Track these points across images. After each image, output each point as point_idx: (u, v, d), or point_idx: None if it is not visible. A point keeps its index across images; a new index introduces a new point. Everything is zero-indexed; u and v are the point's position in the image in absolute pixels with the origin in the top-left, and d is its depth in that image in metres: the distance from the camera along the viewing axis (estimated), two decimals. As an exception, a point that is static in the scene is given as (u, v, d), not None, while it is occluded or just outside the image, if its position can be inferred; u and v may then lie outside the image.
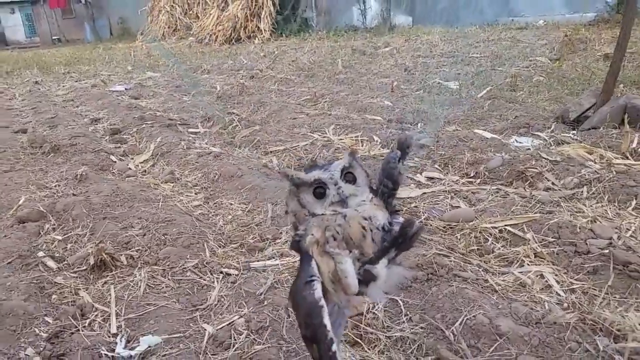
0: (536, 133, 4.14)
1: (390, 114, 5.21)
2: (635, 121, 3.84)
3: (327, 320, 1.29)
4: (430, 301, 2.17)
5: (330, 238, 1.34)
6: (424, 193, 3.28)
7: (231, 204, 3.41)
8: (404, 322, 2.08)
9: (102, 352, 2.06)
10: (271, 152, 4.44)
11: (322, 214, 1.40)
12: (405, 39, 10.91)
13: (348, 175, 1.45)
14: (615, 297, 2.09)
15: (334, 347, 1.29)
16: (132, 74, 10.12)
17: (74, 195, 3.65)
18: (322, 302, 1.31)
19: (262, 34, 14.61)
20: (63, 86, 9.42)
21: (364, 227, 1.35)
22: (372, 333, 2.04)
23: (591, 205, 2.79)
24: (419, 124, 4.73)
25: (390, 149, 1.46)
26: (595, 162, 3.29)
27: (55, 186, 3.96)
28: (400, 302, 2.19)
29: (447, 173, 3.58)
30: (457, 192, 3.24)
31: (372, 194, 1.45)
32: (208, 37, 15.21)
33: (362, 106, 5.67)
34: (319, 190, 1.42)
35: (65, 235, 3.09)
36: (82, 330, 2.21)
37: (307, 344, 1.39)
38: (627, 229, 2.51)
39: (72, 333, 2.20)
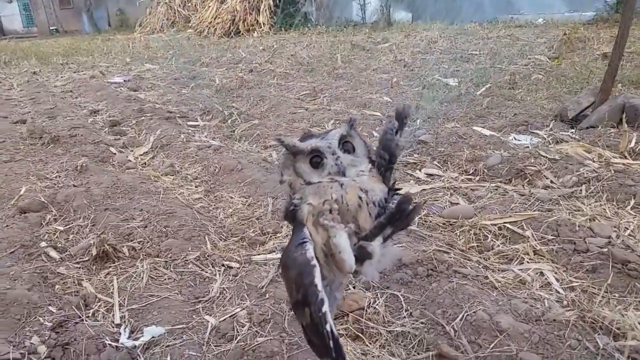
0: (535, 131, 4.17)
1: (389, 110, 5.22)
2: (633, 120, 3.87)
3: (318, 280, 1.24)
4: (431, 297, 2.19)
5: (326, 210, 1.29)
6: (423, 189, 3.30)
7: (231, 198, 3.42)
8: (404, 317, 2.11)
9: (106, 342, 2.08)
10: (270, 146, 4.45)
11: (318, 182, 1.34)
12: (404, 34, 10.90)
13: (346, 145, 1.40)
14: (614, 296, 2.12)
15: (325, 308, 1.22)
16: (130, 65, 10.08)
17: (74, 186, 3.65)
18: (314, 262, 1.25)
19: (261, 27, 14.55)
20: (61, 77, 9.37)
21: (360, 198, 1.30)
22: (373, 328, 2.06)
23: (590, 204, 2.82)
24: (418, 121, 4.75)
25: (388, 120, 1.43)
26: (594, 161, 3.32)
27: (55, 177, 3.96)
28: (400, 297, 2.22)
29: (446, 170, 3.61)
30: (456, 189, 3.27)
31: (371, 165, 1.39)
32: (207, 30, 15.14)
33: (361, 102, 5.68)
34: (316, 159, 1.37)
35: (67, 226, 3.10)
36: (86, 320, 2.23)
37: (299, 311, 1.31)
38: (625, 227, 2.54)
39: (76, 323, 2.22)
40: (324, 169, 1.36)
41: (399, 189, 1.41)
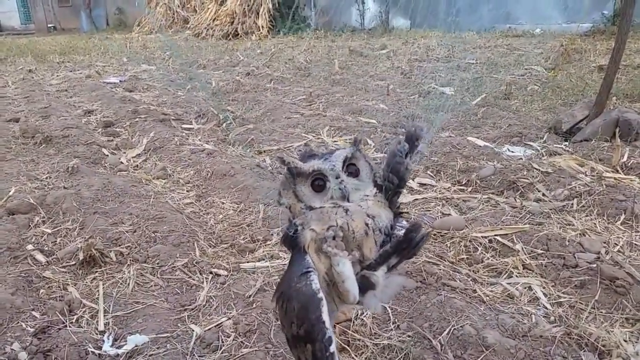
0: (529, 143, 4.18)
1: (385, 117, 5.22)
2: (626, 135, 3.88)
3: (326, 316, 1.15)
4: (419, 309, 2.18)
5: (330, 237, 1.21)
6: (416, 199, 3.29)
7: (223, 203, 3.40)
8: (391, 329, 2.09)
9: (89, 349, 2.05)
10: (265, 151, 4.43)
11: (321, 207, 1.26)
12: (402, 41, 10.93)
13: (350, 167, 1.32)
14: (601, 312, 2.12)
15: (333, 347, 1.15)
16: (127, 65, 10.05)
17: (64, 188, 3.62)
18: (321, 294, 1.17)
19: (259, 30, 14.56)
20: (57, 76, 9.33)
21: (367, 225, 1.22)
22: (359, 340, 2.05)
23: (581, 218, 2.82)
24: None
25: (398, 141, 1.30)
26: (586, 175, 3.33)
27: (46, 178, 3.93)
28: (388, 309, 2.20)
29: (439, 180, 3.60)
30: (448, 200, 3.26)
31: (377, 189, 1.31)
32: (205, 32, 15.13)
33: (357, 108, 5.67)
34: (318, 182, 1.29)
35: (55, 229, 3.07)
36: (70, 327, 2.20)
37: (297, 346, 1.23)
38: (615, 243, 2.54)
39: (60, 329, 2.19)
40: (326, 193, 1.28)
41: (405, 212, 1.35)
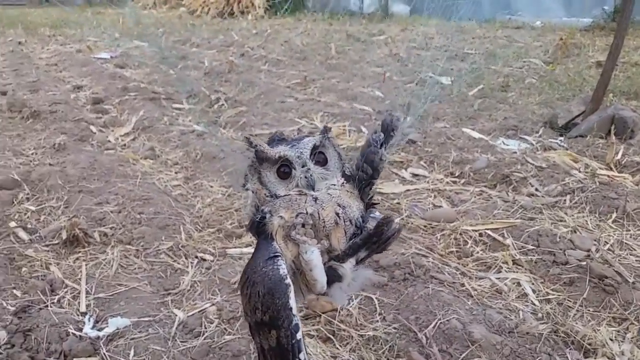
0: (524, 136, 4.14)
1: (380, 105, 5.16)
2: (621, 132, 3.85)
3: (293, 302, 1.12)
4: (405, 301, 2.16)
5: (299, 224, 1.17)
6: (407, 190, 3.25)
7: (211, 187, 3.34)
8: (377, 321, 2.07)
9: (69, 330, 2.01)
10: (256, 135, 4.36)
11: (287, 195, 1.22)
12: (401, 28, 10.79)
13: (319, 156, 1.28)
14: (589, 310, 2.11)
15: (299, 335, 1.11)
16: (119, 41, 9.84)
17: (50, 165, 3.55)
18: (288, 280, 1.13)
19: (256, 10, 14.30)
20: (47, 49, 9.12)
21: (337, 214, 1.19)
22: (345, 330, 2.03)
23: (572, 215, 2.80)
24: (408, 118, 4.69)
25: (373, 131, 1.27)
26: (580, 171, 3.30)
27: (32, 154, 3.85)
28: (375, 300, 2.18)
29: (432, 171, 3.56)
30: (440, 192, 3.23)
31: (345, 179, 1.28)
32: (200, 9, 14.84)
33: (352, 95, 5.60)
34: (284, 169, 1.24)
35: (39, 206, 3.00)
36: (51, 307, 2.17)
37: (261, 333, 1.18)
38: (605, 241, 2.52)
39: (40, 309, 2.15)
40: (291, 181, 1.24)
41: (376, 204, 1.31)
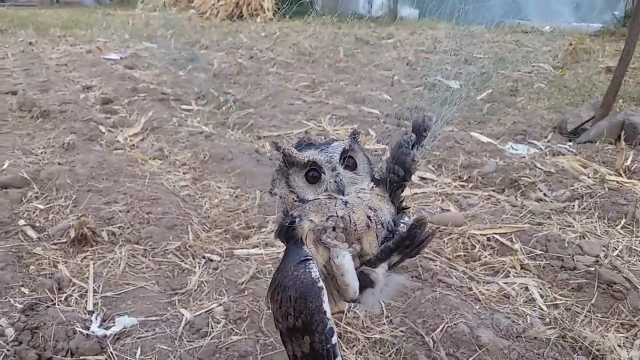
0: (532, 141, 4.12)
1: (388, 108, 5.15)
2: (631, 138, 3.83)
3: (326, 306, 1.09)
4: (413, 305, 2.15)
5: (330, 227, 1.15)
6: (415, 193, 3.24)
7: (219, 187, 3.35)
8: (384, 324, 2.06)
9: (76, 328, 2.02)
10: (264, 137, 4.37)
11: (316, 199, 1.20)
12: (410, 31, 10.79)
13: (348, 160, 1.26)
14: (597, 316, 2.09)
15: (334, 339, 1.09)
16: (128, 42, 9.91)
17: (59, 164, 3.57)
18: (321, 284, 1.10)
19: (264, 13, 14.36)
20: (57, 49, 9.20)
21: (369, 217, 1.16)
22: (351, 333, 2.02)
23: (581, 220, 2.78)
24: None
25: (404, 132, 1.25)
26: (589, 177, 3.28)
27: (41, 153, 3.88)
28: (382, 303, 2.17)
29: (440, 174, 3.55)
30: (448, 195, 3.21)
31: (374, 183, 1.26)
32: (209, 12, 14.92)
33: (360, 97, 5.60)
34: (313, 173, 1.23)
35: (48, 205, 3.02)
36: (58, 305, 2.17)
37: (293, 339, 1.15)
38: (614, 247, 2.50)
39: (48, 307, 2.16)
40: (320, 185, 1.22)
41: (407, 208, 1.28)
